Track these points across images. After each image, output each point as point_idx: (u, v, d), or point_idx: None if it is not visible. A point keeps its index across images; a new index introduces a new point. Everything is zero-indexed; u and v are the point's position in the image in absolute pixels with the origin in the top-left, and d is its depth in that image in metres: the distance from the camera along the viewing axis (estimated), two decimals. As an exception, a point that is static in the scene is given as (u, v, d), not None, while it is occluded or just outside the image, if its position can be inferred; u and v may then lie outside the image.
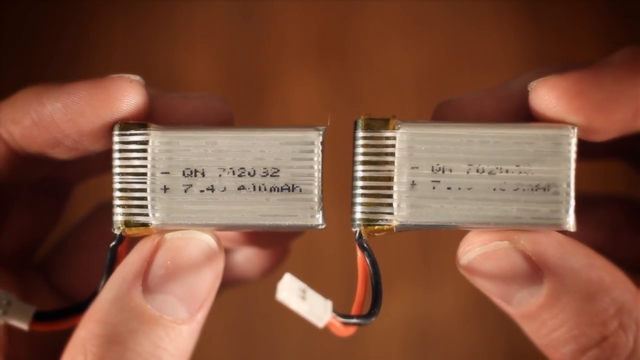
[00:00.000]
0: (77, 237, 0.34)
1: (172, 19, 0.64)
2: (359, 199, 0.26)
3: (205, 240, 0.26)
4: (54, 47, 0.63)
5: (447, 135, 0.25)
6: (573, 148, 0.25)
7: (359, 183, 0.26)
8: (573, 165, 0.25)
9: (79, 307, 0.26)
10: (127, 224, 0.26)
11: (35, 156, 0.29)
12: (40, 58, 0.63)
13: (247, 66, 0.64)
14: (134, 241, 0.27)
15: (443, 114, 0.28)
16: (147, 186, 0.26)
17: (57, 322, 0.27)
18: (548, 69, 0.27)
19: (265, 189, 0.26)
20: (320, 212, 0.26)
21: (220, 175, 0.26)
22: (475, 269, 0.26)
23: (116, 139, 0.26)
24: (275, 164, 0.25)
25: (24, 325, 0.26)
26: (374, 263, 0.26)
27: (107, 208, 0.33)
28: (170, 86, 0.62)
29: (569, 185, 0.25)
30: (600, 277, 0.25)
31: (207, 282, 0.26)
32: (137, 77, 0.27)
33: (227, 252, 0.33)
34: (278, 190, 0.26)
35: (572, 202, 0.25)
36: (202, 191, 0.26)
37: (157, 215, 0.26)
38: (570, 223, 0.25)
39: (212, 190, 0.26)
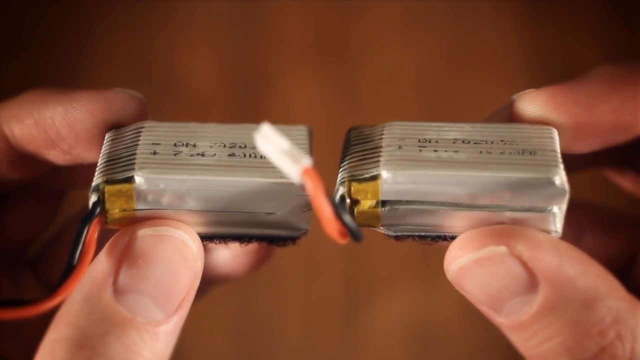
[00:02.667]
0: (68, 234, 0.33)
1: (172, 19, 0.64)
2: (345, 166, 0.25)
3: (179, 237, 0.25)
4: (54, 47, 0.63)
5: (437, 127, 0.26)
6: (555, 134, 0.25)
7: (347, 158, 0.25)
8: (557, 142, 0.25)
9: (28, 301, 0.24)
10: (108, 181, 0.24)
11: (31, 156, 0.29)
12: (40, 58, 0.63)
13: (247, 66, 0.64)
14: (105, 239, 0.25)
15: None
16: (137, 150, 0.25)
17: (11, 310, 0.24)
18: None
19: (255, 156, 0.25)
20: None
21: (211, 147, 0.25)
22: (467, 275, 0.25)
23: (109, 135, 0.27)
24: None
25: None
26: (355, 233, 0.23)
27: None
28: (170, 86, 0.62)
29: (554, 151, 0.25)
30: (596, 284, 0.24)
31: (183, 281, 0.25)
32: (139, 95, 0.28)
33: (212, 249, 0.32)
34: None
35: (560, 159, 0.25)
36: (192, 155, 0.25)
37: (143, 171, 0.24)
38: (562, 174, 0.24)
39: (203, 155, 0.25)
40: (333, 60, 0.64)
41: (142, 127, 0.26)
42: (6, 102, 0.29)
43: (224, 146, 0.25)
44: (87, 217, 0.24)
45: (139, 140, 0.25)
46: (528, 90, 0.27)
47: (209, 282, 0.33)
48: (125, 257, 0.24)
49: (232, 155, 0.25)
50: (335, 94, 0.63)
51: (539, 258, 0.24)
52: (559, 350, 0.24)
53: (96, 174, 0.25)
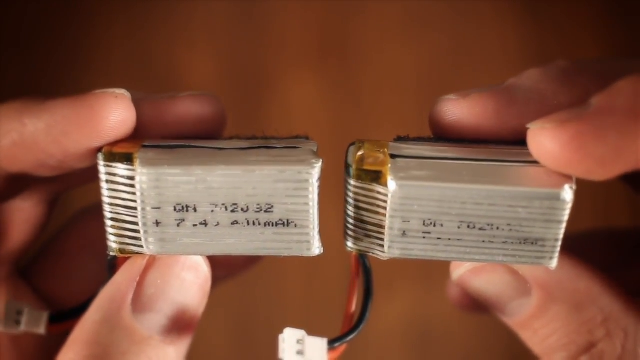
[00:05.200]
0: (59, 244, 0.33)
1: (172, 19, 0.64)
2: (351, 234, 0.26)
3: (194, 259, 0.26)
4: (54, 47, 0.63)
5: (441, 194, 0.25)
6: (567, 212, 0.25)
7: (351, 221, 0.26)
8: (564, 225, 0.25)
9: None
10: (121, 251, 0.26)
11: (18, 175, 0.27)
12: (41, 58, 0.63)
13: (247, 66, 0.64)
14: None
15: (442, 114, 0.27)
16: (139, 220, 0.25)
17: (71, 321, 0.27)
18: (553, 69, 0.26)
19: (259, 224, 0.25)
20: (317, 243, 0.26)
21: (212, 211, 0.25)
22: (467, 283, 0.27)
23: (102, 170, 0.25)
24: (269, 200, 0.25)
25: (40, 330, 0.27)
26: (367, 271, 0.26)
27: (88, 214, 0.33)
28: (170, 86, 0.62)
29: (557, 240, 0.25)
30: (587, 287, 0.26)
31: (196, 301, 0.26)
32: (122, 91, 0.26)
33: None
34: (273, 225, 0.25)
35: (558, 250, 0.25)
36: (195, 225, 0.25)
37: (151, 247, 0.25)
38: (553, 265, 0.25)
39: (205, 225, 0.25)
40: (333, 59, 0.64)
41: (134, 175, 0.25)
42: None
43: (226, 209, 0.25)
44: (110, 273, 0.27)
45: (136, 200, 0.25)
46: (548, 124, 0.23)
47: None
48: (144, 277, 0.25)
49: (235, 223, 0.25)
50: (335, 93, 0.63)
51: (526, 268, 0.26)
52: (557, 346, 0.26)
53: (107, 232, 0.26)
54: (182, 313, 0.26)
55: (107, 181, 0.25)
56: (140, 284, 0.25)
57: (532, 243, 0.25)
